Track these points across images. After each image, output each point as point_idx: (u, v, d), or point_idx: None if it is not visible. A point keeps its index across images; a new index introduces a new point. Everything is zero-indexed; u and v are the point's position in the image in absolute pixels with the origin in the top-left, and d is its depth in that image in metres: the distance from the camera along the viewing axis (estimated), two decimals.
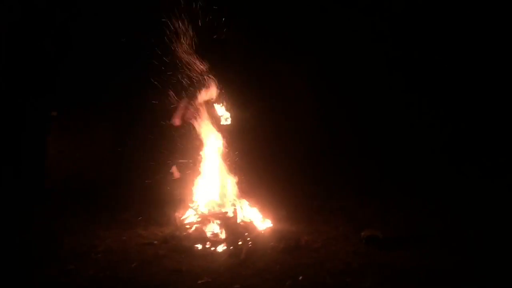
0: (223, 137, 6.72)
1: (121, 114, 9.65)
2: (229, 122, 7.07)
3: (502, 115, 9.74)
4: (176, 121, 6.84)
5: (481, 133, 9.76)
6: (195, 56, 6.93)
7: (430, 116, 9.91)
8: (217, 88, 6.86)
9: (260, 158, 8.28)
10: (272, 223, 6.52)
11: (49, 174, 8.84)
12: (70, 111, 9.22)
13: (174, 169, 7.02)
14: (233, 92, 8.17)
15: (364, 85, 9.87)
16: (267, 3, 9.50)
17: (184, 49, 6.88)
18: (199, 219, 6.28)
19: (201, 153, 6.76)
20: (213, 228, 6.13)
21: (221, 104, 7.06)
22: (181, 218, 6.42)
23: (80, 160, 9.28)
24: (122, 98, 9.41)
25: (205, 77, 6.86)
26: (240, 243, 5.89)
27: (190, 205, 6.54)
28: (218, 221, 6.18)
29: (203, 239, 5.99)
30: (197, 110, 6.74)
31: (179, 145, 7.32)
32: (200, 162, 6.76)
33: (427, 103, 9.93)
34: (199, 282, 4.87)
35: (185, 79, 6.97)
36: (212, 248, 5.87)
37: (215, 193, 6.59)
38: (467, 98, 9.81)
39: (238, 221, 6.20)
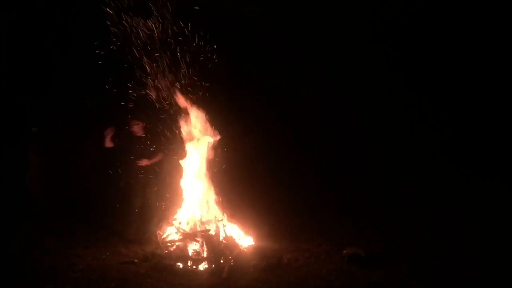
0: (206, 155, 6.69)
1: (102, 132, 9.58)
2: (211, 140, 7.05)
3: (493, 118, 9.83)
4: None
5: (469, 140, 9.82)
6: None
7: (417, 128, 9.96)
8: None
9: (242, 176, 8.27)
10: (254, 241, 6.51)
11: (30, 190, 8.68)
12: (51, 128, 9.11)
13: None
14: (215, 111, 8.24)
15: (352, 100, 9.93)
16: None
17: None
18: (180, 237, 6.22)
19: (183, 170, 6.70)
20: (195, 246, 6.07)
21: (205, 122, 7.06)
22: (162, 237, 6.33)
23: (61, 177, 9.16)
24: (104, 116, 9.36)
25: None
26: (222, 261, 5.86)
27: (172, 222, 6.47)
28: (200, 239, 6.12)
29: (184, 257, 5.95)
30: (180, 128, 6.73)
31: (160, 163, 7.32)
32: (181, 179, 6.71)
33: (420, 116, 9.98)
34: None
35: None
36: (194, 267, 5.84)
37: (197, 210, 6.54)
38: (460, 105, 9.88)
39: (220, 239, 6.16)
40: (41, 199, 8.70)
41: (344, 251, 6.23)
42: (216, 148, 6.80)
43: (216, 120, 7.51)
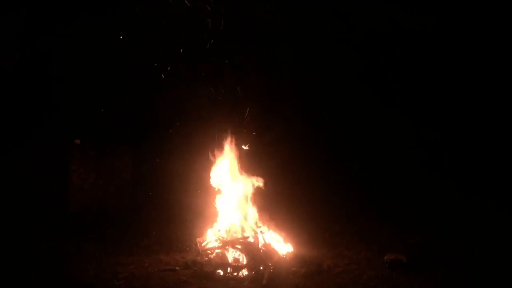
0: (243, 163, 6.76)
1: (141, 144, 9.85)
2: (247, 148, 7.14)
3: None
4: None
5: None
6: None
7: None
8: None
9: (280, 184, 8.29)
10: (293, 247, 6.50)
11: (73, 200, 8.97)
12: (92, 140, 9.40)
13: None
14: (251, 120, 8.36)
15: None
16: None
17: None
18: (220, 245, 6.28)
19: (221, 180, 6.78)
20: (235, 254, 6.12)
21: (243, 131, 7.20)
22: (203, 244, 6.42)
23: (102, 187, 9.41)
24: (142, 130, 9.64)
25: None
26: (261, 268, 5.88)
27: (211, 230, 6.54)
28: (239, 246, 6.17)
29: (224, 264, 5.99)
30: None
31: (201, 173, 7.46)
32: (221, 188, 6.79)
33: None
34: None
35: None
36: (234, 274, 5.87)
37: (236, 218, 6.59)
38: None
39: (259, 246, 6.19)
40: (84, 209, 9.04)
41: (385, 257, 6.13)
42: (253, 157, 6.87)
43: (253, 126, 7.67)
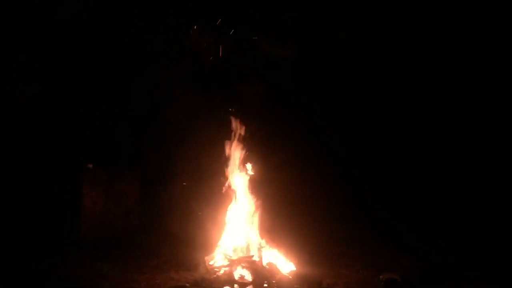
0: (249, 187, 7.27)
1: (148, 168, 10.34)
2: (251, 172, 7.65)
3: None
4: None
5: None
6: None
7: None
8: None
9: (283, 206, 8.76)
10: (295, 266, 6.95)
11: (85, 222, 9.42)
12: (103, 165, 9.89)
13: None
14: (255, 145, 8.86)
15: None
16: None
17: None
18: (227, 263, 6.73)
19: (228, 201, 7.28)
20: (241, 271, 6.57)
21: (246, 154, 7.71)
22: (210, 263, 6.87)
23: (112, 210, 9.86)
24: (149, 154, 10.15)
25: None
26: (265, 285, 6.33)
27: (218, 250, 7.00)
28: (245, 265, 6.62)
29: (231, 281, 6.42)
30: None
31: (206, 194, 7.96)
32: (226, 209, 7.28)
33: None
34: None
35: None
36: None
37: (241, 238, 7.06)
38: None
39: (264, 264, 6.64)
40: (94, 231, 9.48)
41: (381, 276, 6.58)
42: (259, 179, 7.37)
43: (256, 152, 8.17)
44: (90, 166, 9.66)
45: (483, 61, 10.32)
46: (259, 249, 6.88)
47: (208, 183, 8.30)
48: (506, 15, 9.98)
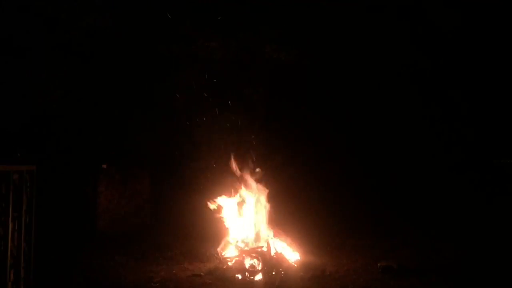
0: (258, 182, 7.87)
1: (159, 167, 10.93)
2: (258, 169, 8.26)
3: None
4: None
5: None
6: None
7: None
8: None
9: (289, 200, 9.35)
10: (300, 256, 7.57)
11: (100, 218, 10.03)
12: (117, 165, 10.49)
13: None
14: (261, 143, 9.46)
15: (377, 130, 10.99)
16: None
17: None
18: (238, 254, 7.34)
19: (238, 196, 7.88)
20: (251, 261, 7.18)
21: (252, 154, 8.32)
22: (222, 253, 7.47)
23: (125, 207, 10.47)
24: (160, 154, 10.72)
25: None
26: (274, 273, 6.96)
27: (230, 241, 7.60)
28: (255, 255, 7.23)
29: (242, 270, 7.05)
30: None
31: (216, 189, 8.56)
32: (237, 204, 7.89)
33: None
34: None
35: None
36: (251, 278, 6.92)
37: (251, 230, 7.67)
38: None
39: (272, 254, 7.25)
40: (109, 226, 10.09)
41: (379, 264, 7.21)
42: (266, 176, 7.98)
43: (263, 149, 8.77)
44: (105, 166, 10.27)
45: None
46: (267, 240, 7.47)
47: (217, 180, 8.85)
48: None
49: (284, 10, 9.91)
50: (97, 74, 9.54)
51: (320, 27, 10.07)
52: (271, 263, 7.08)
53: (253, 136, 9.80)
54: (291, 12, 9.97)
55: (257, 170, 8.22)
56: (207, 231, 8.60)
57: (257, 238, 7.58)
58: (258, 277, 6.93)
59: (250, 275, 6.94)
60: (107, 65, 9.39)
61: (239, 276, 6.93)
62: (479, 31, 10.52)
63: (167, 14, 9.69)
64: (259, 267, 7.07)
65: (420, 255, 8.15)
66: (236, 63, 10.44)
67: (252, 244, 7.49)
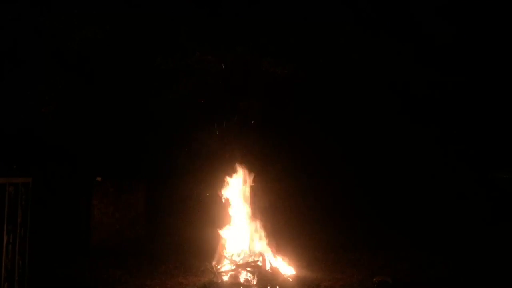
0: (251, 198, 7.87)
1: (154, 180, 10.91)
2: (252, 183, 8.25)
3: None
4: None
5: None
6: None
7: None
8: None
9: (284, 216, 9.37)
10: (295, 270, 7.53)
11: (94, 232, 9.97)
12: (111, 178, 10.46)
13: None
14: (255, 158, 9.46)
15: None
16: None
17: None
18: (233, 267, 7.30)
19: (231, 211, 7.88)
20: (246, 275, 7.14)
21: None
22: (217, 267, 7.43)
23: (119, 220, 10.42)
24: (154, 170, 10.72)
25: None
26: (268, 287, 6.89)
27: (225, 255, 7.57)
28: (250, 269, 7.19)
29: (237, 284, 7.01)
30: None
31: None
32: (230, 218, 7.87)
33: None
34: None
35: None
36: None
37: (246, 244, 7.64)
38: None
39: (267, 268, 7.22)
40: (103, 239, 10.03)
41: (374, 279, 7.17)
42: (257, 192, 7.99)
43: (258, 163, 8.77)
44: (99, 179, 10.24)
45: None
46: (262, 255, 7.44)
47: (212, 193, 8.83)
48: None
49: (281, 25, 9.99)
50: (93, 86, 9.55)
51: (316, 41, 10.15)
52: (266, 278, 7.05)
53: (248, 149, 9.80)
54: (288, 26, 10.05)
55: (252, 184, 8.21)
56: (202, 245, 8.57)
57: (252, 252, 7.54)
58: None
59: None
60: (103, 78, 9.41)
61: None
62: (475, 47, 10.63)
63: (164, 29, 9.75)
64: (254, 281, 7.03)
65: (415, 269, 8.16)
66: (233, 77, 10.48)
67: (247, 258, 7.44)
